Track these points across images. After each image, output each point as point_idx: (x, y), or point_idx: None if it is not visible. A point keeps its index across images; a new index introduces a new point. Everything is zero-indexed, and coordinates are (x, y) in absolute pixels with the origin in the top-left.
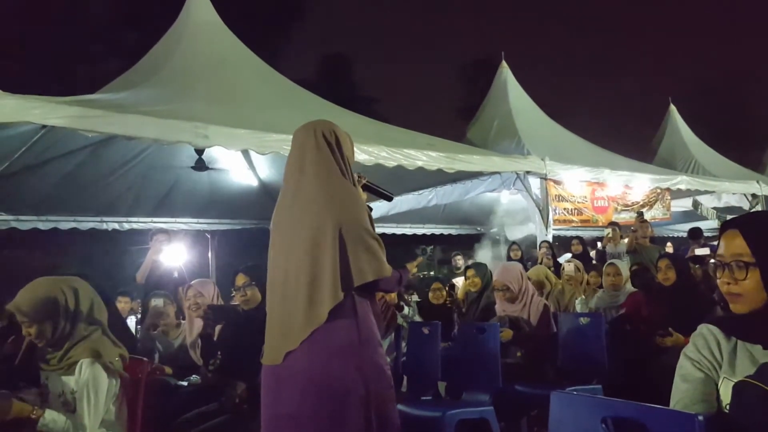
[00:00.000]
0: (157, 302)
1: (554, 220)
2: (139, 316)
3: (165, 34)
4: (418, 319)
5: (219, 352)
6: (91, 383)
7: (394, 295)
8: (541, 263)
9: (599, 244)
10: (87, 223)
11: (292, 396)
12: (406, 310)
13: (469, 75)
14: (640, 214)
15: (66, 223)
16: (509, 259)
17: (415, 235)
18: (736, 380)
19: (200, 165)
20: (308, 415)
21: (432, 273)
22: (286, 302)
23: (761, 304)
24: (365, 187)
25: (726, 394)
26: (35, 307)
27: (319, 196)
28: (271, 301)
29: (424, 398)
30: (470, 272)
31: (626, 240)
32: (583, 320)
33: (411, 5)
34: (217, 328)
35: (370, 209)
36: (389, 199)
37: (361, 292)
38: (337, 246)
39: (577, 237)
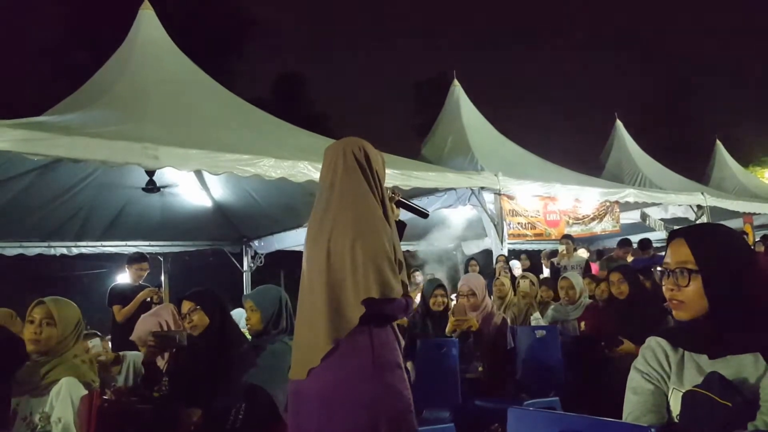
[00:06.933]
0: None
1: (509, 235)
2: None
3: (113, 55)
4: None
5: (165, 379)
6: (70, 402)
7: None
8: (498, 277)
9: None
10: (34, 249)
11: (310, 414)
12: None
13: (422, 93)
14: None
15: (12, 249)
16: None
17: None
18: (684, 390)
19: (151, 186)
20: None
21: None
22: (312, 311)
23: (703, 312)
24: (399, 203)
25: (676, 405)
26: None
27: (345, 214)
28: (300, 312)
29: None
30: (440, 291)
31: (580, 252)
32: (539, 333)
33: (364, 24)
34: (166, 355)
35: (404, 225)
36: (425, 216)
37: (376, 318)
38: (351, 262)
39: (524, 252)
